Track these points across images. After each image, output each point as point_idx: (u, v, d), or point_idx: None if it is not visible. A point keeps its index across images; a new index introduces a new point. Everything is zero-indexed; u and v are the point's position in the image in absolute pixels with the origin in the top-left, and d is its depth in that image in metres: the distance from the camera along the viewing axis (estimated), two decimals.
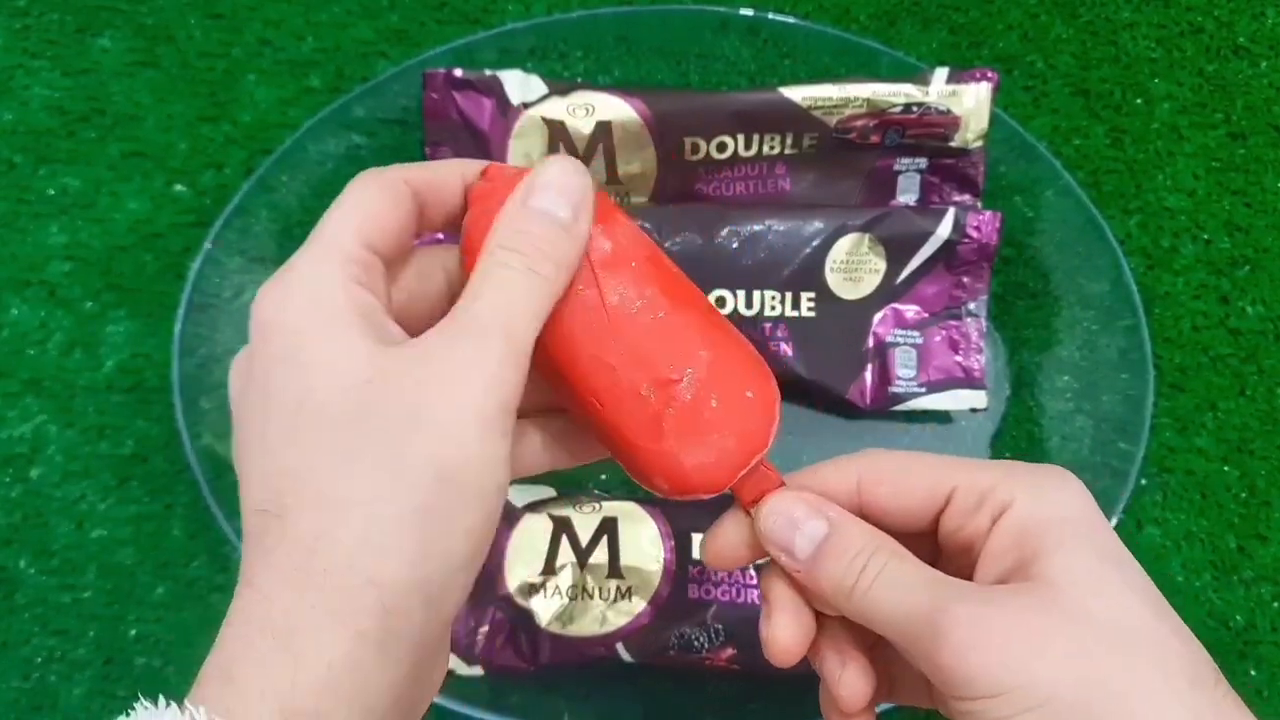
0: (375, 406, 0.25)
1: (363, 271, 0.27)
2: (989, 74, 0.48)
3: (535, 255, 0.27)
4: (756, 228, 0.47)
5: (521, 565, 0.44)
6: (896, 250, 0.48)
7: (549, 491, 0.46)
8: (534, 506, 0.45)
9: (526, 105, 0.48)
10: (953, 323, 0.50)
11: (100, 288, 0.51)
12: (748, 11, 0.52)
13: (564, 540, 0.44)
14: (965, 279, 0.49)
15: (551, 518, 0.45)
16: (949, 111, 0.48)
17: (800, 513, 0.29)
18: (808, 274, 0.48)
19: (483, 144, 0.49)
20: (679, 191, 0.49)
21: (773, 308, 0.48)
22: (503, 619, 0.44)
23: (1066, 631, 0.26)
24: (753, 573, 0.44)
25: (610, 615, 0.43)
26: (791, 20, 0.53)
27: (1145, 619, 0.26)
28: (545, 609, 0.43)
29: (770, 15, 0.52)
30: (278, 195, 0.49)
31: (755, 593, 0.43)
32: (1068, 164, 0.54)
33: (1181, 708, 0.25)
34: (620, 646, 0.43)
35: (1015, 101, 0.56)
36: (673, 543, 0.44)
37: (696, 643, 0.42)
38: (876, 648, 0.31)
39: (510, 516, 0.45)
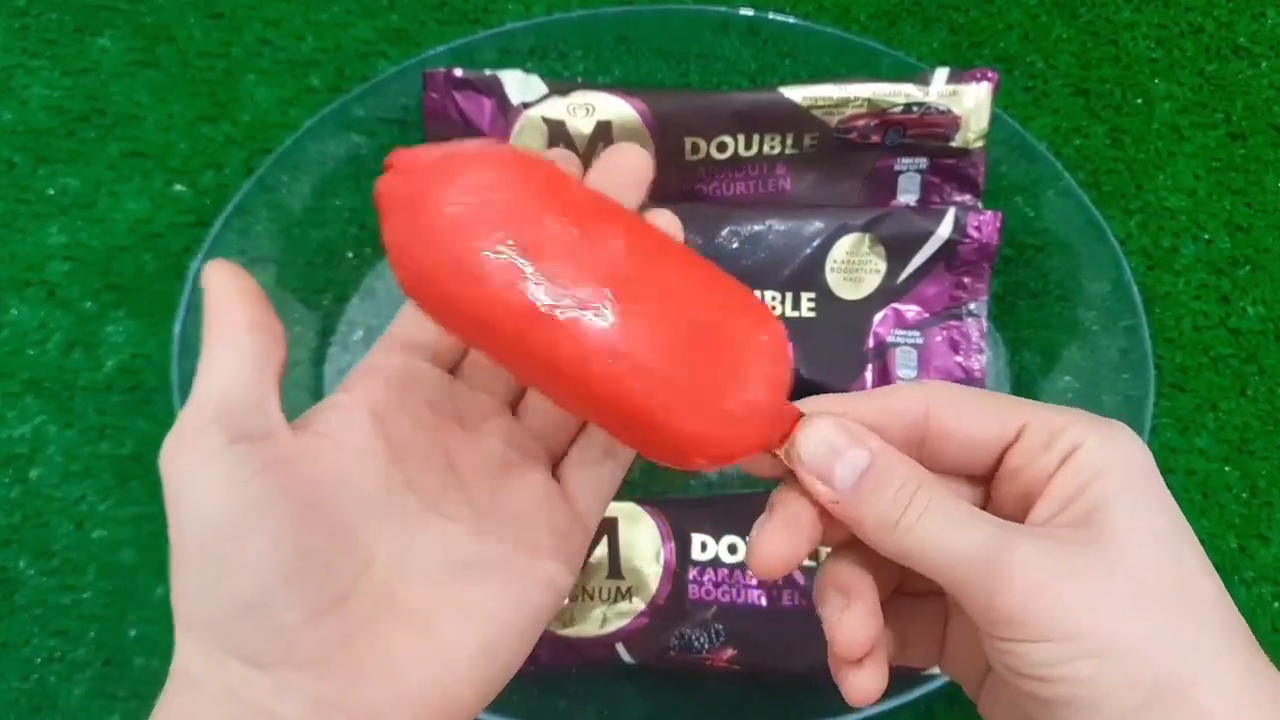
0: None
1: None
2: (989, 74, 0.48)
3: None
4: (757, 228, 0.47)
5: None
6: (897, 250, 0.48)
7: None
8: None
9: (526, 105, 0.47)
10: (953, 323, 0.50)
11: (100, 288, 0.51)
12: (748, 11, 0.52)
13: None
14: (966, 279, 0.49)
15: None
16: (949, 111, 0.48)
17: (842, 440, 0.27)
18: (808, 274, 0.48)
19: None
20: (679, 191, 0.49)
21: (772, 308, 0.48)
22: None
23: (1132, 583, 0.25)
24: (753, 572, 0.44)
25: (610, 616, 0.43)
26: (791, 20, 0.53)
27: (1206, 582, 0.27)
28: None
29: (770, 15, 0.52)
30: (278, 195, 0.49)
31: (756, 593, 0.43)
32: (1068, 164, 0.54)
33: (1241, 667, 0.26)
34: (620, 647, 0.43)
35: (1016, 102, 0.56)
36: (673, 544, 0.44)
37: (697, 643, 0.42)
38: (889, 600, 0.31)
39: None
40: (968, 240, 0.48)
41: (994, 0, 0.57)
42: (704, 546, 0.44)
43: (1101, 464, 0.27)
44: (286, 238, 0.50)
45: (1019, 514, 0.28)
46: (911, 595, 0.32)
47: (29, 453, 0.49)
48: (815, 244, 0.47)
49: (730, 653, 0.42)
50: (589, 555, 0.44)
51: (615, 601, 0.43)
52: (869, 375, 0.49)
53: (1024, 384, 0.51)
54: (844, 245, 0.48)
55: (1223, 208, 0.55)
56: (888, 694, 0.42)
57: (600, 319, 0.24)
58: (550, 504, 0.30)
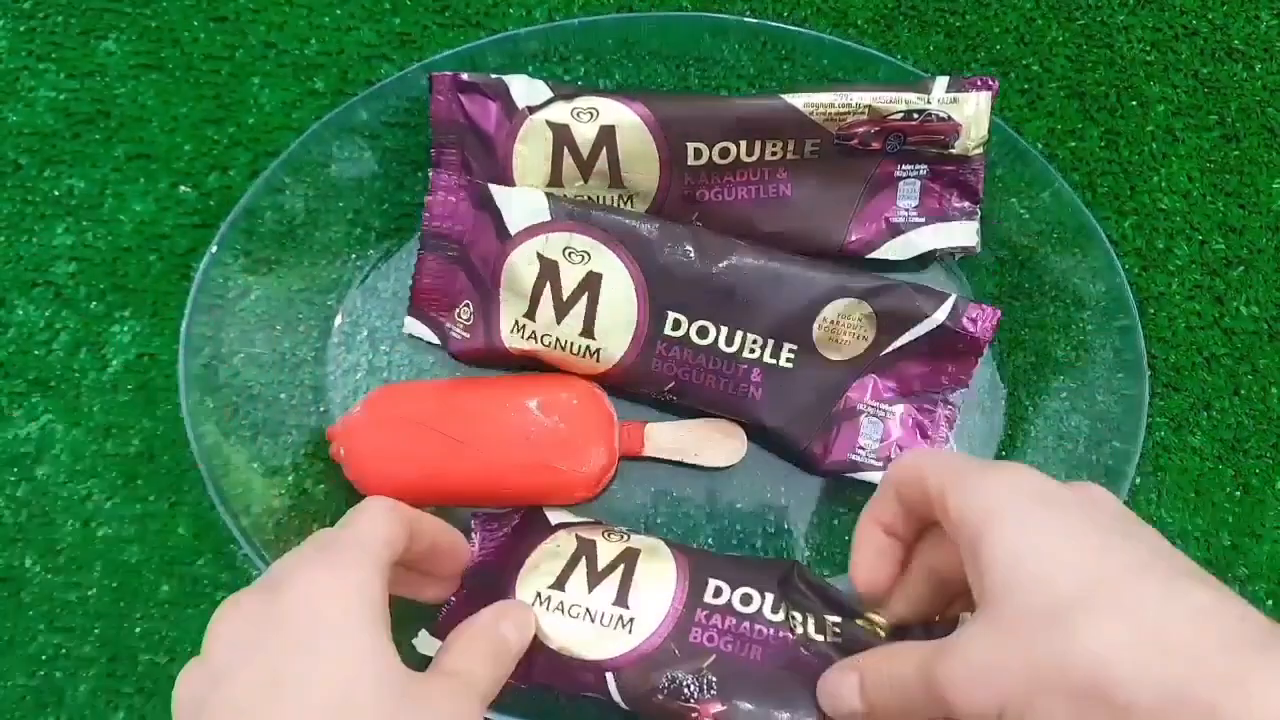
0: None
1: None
2: (989, 82, 0.48)
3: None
4: (756, 266, 0.46)
5: (536, 576, 0.43)
6: (889, 323, 0.47)
7: (586, 516, 0.47)
8: (566, 525, 0.46)
9: (531, 109, 0.48)
10: (927, 407, 0.49)
11: (106, 288, 0.51)
12: (748, 18, 0.53)
13: (582, 561, 0.44)
14: (950, 367, 0.48)
15: (578, 539, 0.45)
16: (949, 118, 0.48)
17: (837, 686, 0.37)
18: (795, 326, 0.47)
19: (488, 147, 0.49)
20: (681, 196, 0.49)
21: (752, 350, 0.47)
22: None
23: (1008, 637, 0.30)
24: (760, 628, 0.42)
25: (607, 643, 0.42)
26: (790, 26, 0.53)
27: (1077, 567, 0.30)
28: (547, 622, 0.42)
29: (770, 22, 0.53)
30: (282, 197, 0.50)
31: (759, 649, 0.42)
32: (1063, 166, 0.54)
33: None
34: (610, 678, 0.41)
35: (1011, 104, 0.56)
36: (687, 584, 0.43)
37: (686, 690, 0.41)
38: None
39: (540, 530, 0.46)
40: (961, 331, 0.47)
41: (990, 4, 0.58)
42: (718, 592, 0.43)
43: (963, 523, 0.33)
44: (291, 239, 0.50)
45: None
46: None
47: (35, 451, 0.50)
48: (810, 298, 0.47)
49: (718, 709, 0.41)
50: (602, 581, 0.44)
51: (615, 629, 0.42)
52: (831, 437, 0.49)
53: (1019, 384, 0.51)
54: (837, 306, 0.47)
55: (1216, 209, 0.55)
56: None
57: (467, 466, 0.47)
58: None
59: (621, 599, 0.42)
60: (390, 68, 0.54)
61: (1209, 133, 0.56)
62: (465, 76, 0.49)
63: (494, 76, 0.49)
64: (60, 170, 0.53)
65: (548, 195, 0.47)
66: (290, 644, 0.30)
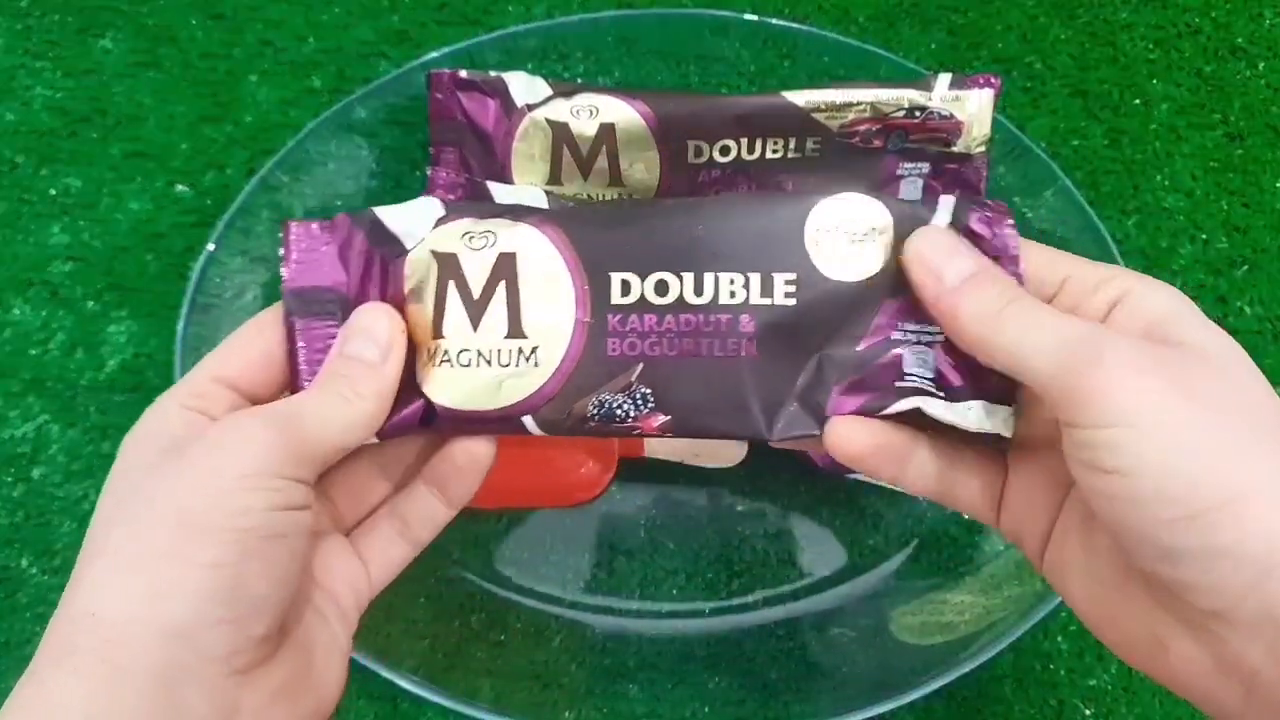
0: (151, 477, 0.28)
1: (194, 398, 0.31)
2: (992, 80, 0.48)
3: (349, 390, 0.31)
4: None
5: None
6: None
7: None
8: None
9: (530, 107, 0.47)
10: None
11: (102, 288, 0.51)
12: (749, 15, 0.53)
13: (451, 289, 0.34)
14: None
15: (434, 255, 0.34)
16: (952, 116, 0.48)
17: (958, 245, 0.32)
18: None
19: (487, 145, 0.48)
20: (682, 194, 0.49)
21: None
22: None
23: (1206, 394, 0.27)
24: (687, 317, 0.34)
25: (510, 384, 0.33)
26: (791, 24, 0.53)
27: (1271, 403, 0.28)
28: (435, 383, 0.33)
29: (771, 20, 0.52)
30: (279, 195, 0.49)
31: (689, 341, 0.34)
32: (1066, 165, 0.54)
33: None
34: (528, 421, 0.34)
35: (1014, 103, 0.56)
36: (585, 286, 0.34)
37: (620, 412, 0.34)
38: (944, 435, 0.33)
39: (382, 239, 0.34)
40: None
41: (992, 1, 0.57)
42: (625, 287, 0.34)
43: (1159, 307, 0.29)
44: None
45: None
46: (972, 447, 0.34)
47: (31, 452, 0.49)
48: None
49: (662, 419, 0.34)
50: (483, 313, 0.34)
51: (515, 365, 0.33)
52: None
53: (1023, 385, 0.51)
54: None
55: (1220, 208, 0.55)
56: (888, 695, 0.42)
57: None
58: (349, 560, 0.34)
59: (515, 327, 0.34)
60: (388, 65, 0.54)
61: (1212, 131, 0.56)
62: (464, 74, 0.48)
63: (493, 74, 0.48)
64: (57, 169, 0.52)
65: (547, 193, 0.47)
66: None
